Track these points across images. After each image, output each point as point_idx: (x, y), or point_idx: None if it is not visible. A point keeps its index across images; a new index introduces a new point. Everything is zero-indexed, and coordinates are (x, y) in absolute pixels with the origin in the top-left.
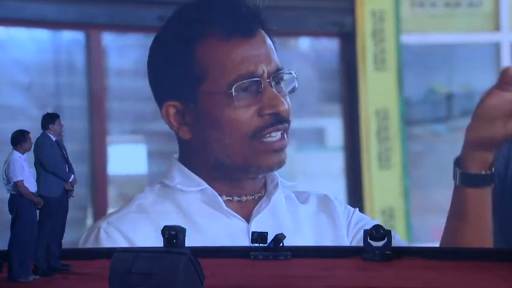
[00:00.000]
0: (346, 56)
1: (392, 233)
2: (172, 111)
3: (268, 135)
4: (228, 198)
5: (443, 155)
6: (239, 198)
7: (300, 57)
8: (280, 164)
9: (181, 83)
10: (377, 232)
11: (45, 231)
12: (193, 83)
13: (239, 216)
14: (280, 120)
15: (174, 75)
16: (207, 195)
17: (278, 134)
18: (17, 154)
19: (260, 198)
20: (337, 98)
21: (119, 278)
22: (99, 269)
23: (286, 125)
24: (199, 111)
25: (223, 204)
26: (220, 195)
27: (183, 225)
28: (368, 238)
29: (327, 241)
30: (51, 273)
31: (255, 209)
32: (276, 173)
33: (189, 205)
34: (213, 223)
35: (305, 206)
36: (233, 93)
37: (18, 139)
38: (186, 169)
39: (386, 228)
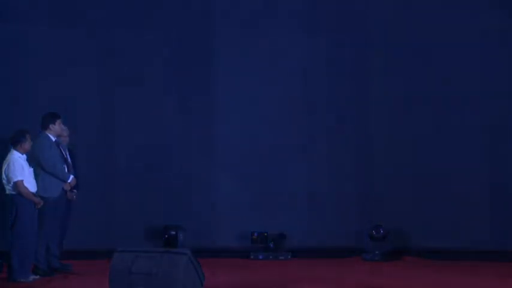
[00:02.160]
0: None
1: None
2: None
3: None
4: None
5: None
6: None
7: None
8: None
9: None
10: (377, 232)
11: (44, 231)
12: None
13: None
14: None
15: None
16: None
17: None
18: (17, 154)
19: None
20: None
21: (119, 278)
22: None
23: None
24: None
25: None
26: None
27: None
28: (368, 238)
29: None
30: (51, 273)
31: None
32: None
33: None
34: None
35: None
36: None
37: (18, 139)
38: None
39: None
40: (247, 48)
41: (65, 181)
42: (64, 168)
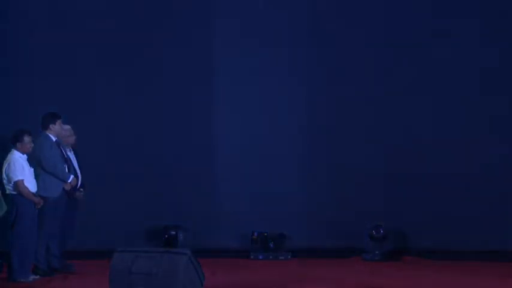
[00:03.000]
0: None
1: None
2: None
3: None
4: None
5: None
6: None
7: None
8: None
9: None
10: (377, 232)
11: (44, 232)
12: None
13: None
14: None
15: None
16: None
17: None
18: (17, 154)
19: None
20: None
21: (119, 278)
22: None
23: None
24: None
25: None
26: None
27: None
28: (368, 238)
29: None
30: (51, 273)
31: None
32: None
33: None
34: None
35: None
36: None
37: (18, 139)
38: None
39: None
40: (247, 48)
41: (65, 181)
42: (64, 168)
